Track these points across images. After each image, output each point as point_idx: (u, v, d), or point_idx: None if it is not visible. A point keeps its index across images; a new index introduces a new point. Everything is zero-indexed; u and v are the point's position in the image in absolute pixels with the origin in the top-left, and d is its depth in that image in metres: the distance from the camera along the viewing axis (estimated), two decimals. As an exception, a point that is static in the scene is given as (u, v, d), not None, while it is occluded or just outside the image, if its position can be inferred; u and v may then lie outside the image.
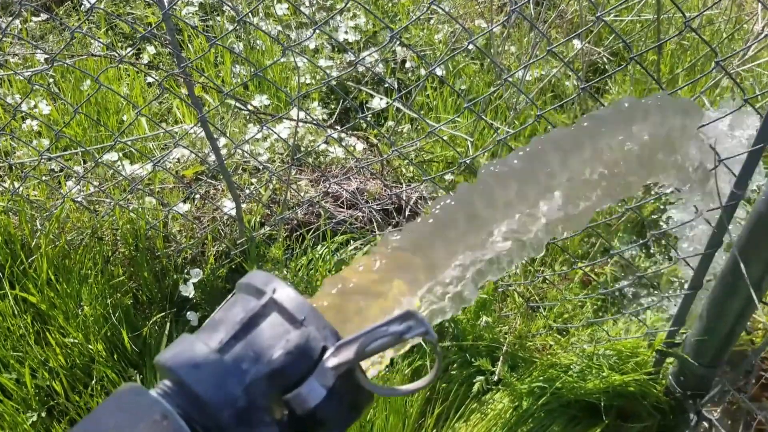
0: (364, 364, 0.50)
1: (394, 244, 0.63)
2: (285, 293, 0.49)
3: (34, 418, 1.56)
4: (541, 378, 1.59)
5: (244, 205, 1.92)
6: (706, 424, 1.54)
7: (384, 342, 0.45)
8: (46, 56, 2.35)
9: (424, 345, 1.62)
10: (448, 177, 2.02)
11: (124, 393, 0.47)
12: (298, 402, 0.46)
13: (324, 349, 0.47)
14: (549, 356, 1.65)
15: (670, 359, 1.57)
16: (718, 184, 1.14)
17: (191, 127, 1.94)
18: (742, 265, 1.21)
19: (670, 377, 1.57)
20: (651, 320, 1.63)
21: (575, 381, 1.56)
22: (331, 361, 0.46)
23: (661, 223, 1.71)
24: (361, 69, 2.38)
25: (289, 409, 0.46)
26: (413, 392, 0.49)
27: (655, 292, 1.72)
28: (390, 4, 2.76)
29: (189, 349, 0.47)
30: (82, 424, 0.45)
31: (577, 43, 2.34)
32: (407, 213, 1.95)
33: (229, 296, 0.51)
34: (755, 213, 1.18)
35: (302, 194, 1.97)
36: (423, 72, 2.44)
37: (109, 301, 1.69)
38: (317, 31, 2.46)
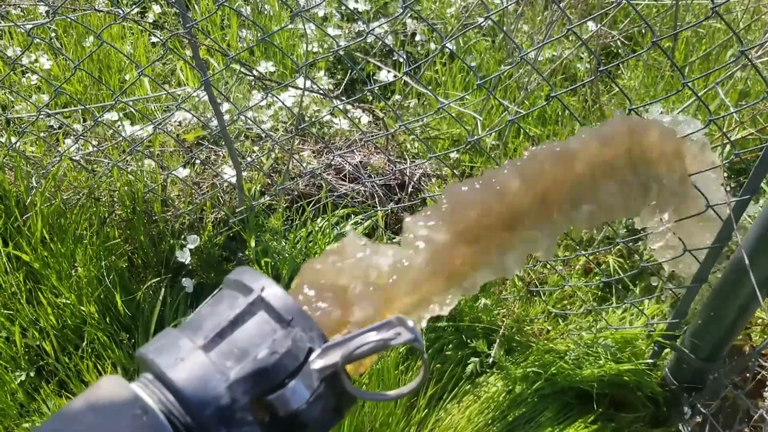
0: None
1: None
2: (273, 292, 0.48)
3: (23, 378, 1.56)
4: (537, 363, 1.58)
5: (244, 173, 1.89)
6: (699, 419, 1.52)
7: (371, 347, 0.44)
8: (48, 9, 2.30)
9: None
10: (454, 155, 1.99)
11: (104, 385, 0.46)
12: (282, 403, 0.45)
13: (310, 351, 0.46)
14: (546, 342, 1.64)
15: (668, 351, 1.55)
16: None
17: (194, 90, 1.90)
18: (747, 262, 1.18)
19: (666, 369, 1.56)
20: (650, 310, 1.61)
21: (571, 368, 1.55)
22: (316, 363, 0.45)
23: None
24: (369, 40, 2.32)
25: (272, 409, 0.45)
26: (397, 398, 0.48)
27: (655, 284, 1.69)
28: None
29: (173, 344, 0.47)
30: (60, 416, 0.44)
31: (591, 26, 2.28)
32: (410, 189, 1.92)
33: (216, 291, 0.50)
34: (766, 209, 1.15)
35: (304, 165, 1.94)
36: (433, 46, 2.39)
37: (103, 263, 1.67)
38: (327, -3, 2.41)
